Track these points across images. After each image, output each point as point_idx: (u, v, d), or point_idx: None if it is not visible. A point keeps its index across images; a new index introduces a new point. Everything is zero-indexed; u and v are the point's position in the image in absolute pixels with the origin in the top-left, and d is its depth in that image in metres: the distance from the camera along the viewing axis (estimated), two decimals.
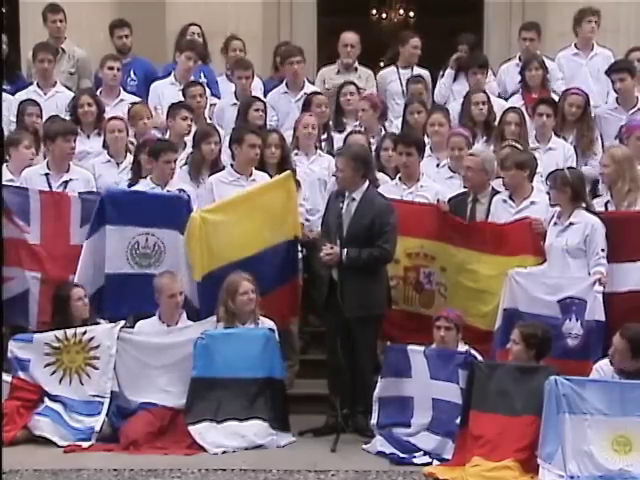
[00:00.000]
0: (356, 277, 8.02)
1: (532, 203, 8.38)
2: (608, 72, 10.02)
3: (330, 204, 8.29)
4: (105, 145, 9.45)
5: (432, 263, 8.48)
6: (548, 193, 8.25)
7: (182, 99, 9.97)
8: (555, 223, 8.08)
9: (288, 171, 8.74)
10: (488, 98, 9.93)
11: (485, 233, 8.38)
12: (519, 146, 8.99)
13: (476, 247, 8.33)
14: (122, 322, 8.26)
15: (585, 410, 7.13)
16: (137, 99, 10.27)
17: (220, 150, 9.18)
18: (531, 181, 8.49)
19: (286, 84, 10.46)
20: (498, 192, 8.60)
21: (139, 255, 8.52)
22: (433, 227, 8.46)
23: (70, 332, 8.15)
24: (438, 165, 9.33)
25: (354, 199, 8.15)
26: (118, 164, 9.34)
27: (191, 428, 7.91)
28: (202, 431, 7.89)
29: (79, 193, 8.77)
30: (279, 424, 8.03)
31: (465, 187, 8.70)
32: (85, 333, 8.15)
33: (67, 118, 9.74)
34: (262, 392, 8.03)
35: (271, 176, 8.90)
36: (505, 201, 8.47)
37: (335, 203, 8.17)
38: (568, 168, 8.40)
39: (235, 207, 8.47)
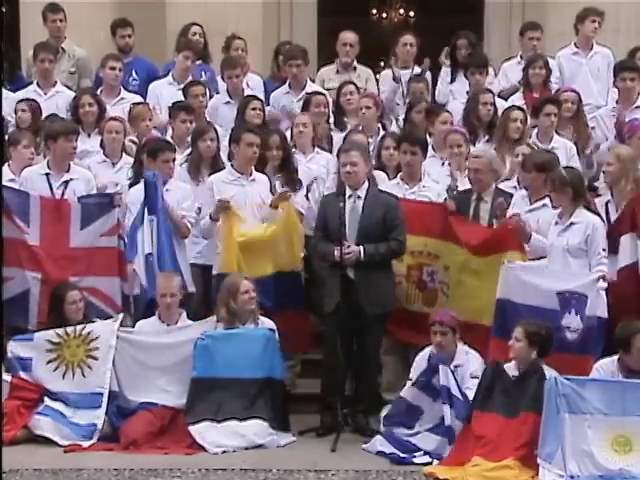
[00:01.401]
0: (372, 274, 8.09)
1: (544, 205, 8.35)
2: (616, 70, 10.03)
3: (327, 205, 8.27)
4: (102, 145, 9.45)
5: (436, 262, 8.48)
6: (549, 195, 8.24)
7: (180, 98, 9.99)
8: (556, 222, 8.06)
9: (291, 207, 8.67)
10: (494, 98, 9.93)
11: (477, 236, 8.35)
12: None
13: (473, 250, 8.32)
14: (120, 316, 8.34)
15: (585, 410, 7.12)
16: (138, 98, 10.28)
17: (218, 147, 9.19)
18: None
19: (289, 84, 10.46)
20: (501, 190, 8.59)
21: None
22: (437, 225, 8.45)
23: (70, 329, 8.19)
24: (443, 164, 9.33)
25: (359, 197, 8.17)
26: (114, 164, 9.33)
27: (191, 428, 7.91)
28: (202, 431, 7.89)
29: (78, 198, 8.75)
30: (279, 424, 8.03)
31: (473, 188, 8.65)
32: (84, 328, 8.19)
33: (68, 118, 9.77)
34: (262, 392, 8.03)
35: (269, 178, 8.90)
36: (523, 197, 8.47)
37: (335, 203, 8.15)
38: (565, 168, 8.37)
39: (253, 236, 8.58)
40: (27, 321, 8.60)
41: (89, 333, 8.18)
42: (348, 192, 8.22)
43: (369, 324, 8.10)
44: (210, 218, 8.59)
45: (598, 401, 7.14)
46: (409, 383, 7.91)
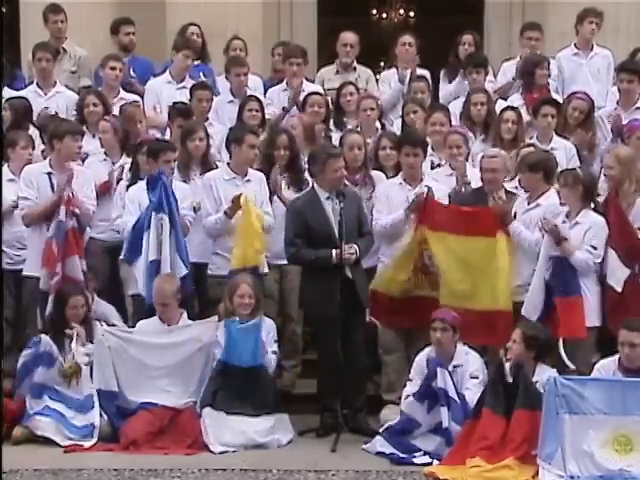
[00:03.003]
0: (361, 270, 8.27)
1: (537, 205, 8.34)
2: (618, 70, 10.03)
3: (306, 210, 8.26)
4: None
5: (429, 246, 8.46)
6: (558, 192, 8.24)
7: (179, 97, 10.01)
8: (564, 221, 8.08)
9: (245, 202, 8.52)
10: (489, 98, 9.93)
11: (459, 216, 8.40)
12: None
13: (456, 230, 8.35)
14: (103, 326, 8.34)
15: (585, 410, 7.12)
16: (136, 97, 10.29)
17: (207, 146, 9.16)
18: (548, 181, 8.40)
19: (286, 82, 10.46)
20: (508, 191, 8.59)
21: (159, 243, 8.47)
22: (423, 215, 8.44)
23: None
24: (432, 167, 9.33)
25: (333, 198, 8.22)
26: (114, 163, 9.29)
27: (205, 411, 7.96)
28: (210, 422, 7.90)
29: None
30: (273, 407, 8.05)
31: (487, 187, 8.58)
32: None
33: (73, 117, 9.78)
34: (260, 380, 8.05)
35: (267, 177, 8.87)
36: (523, 200, 8.48)
37: (315, 207, 8.23)
38: (579, 167, 8.41)
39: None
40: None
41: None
42: (325, 194, 8.26)
43: (361, 319, 8.26)
44: (225, 214, 8.55)
45: (599, 400, 7.14)
46: (408, 389, 7.90)
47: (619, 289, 7.93)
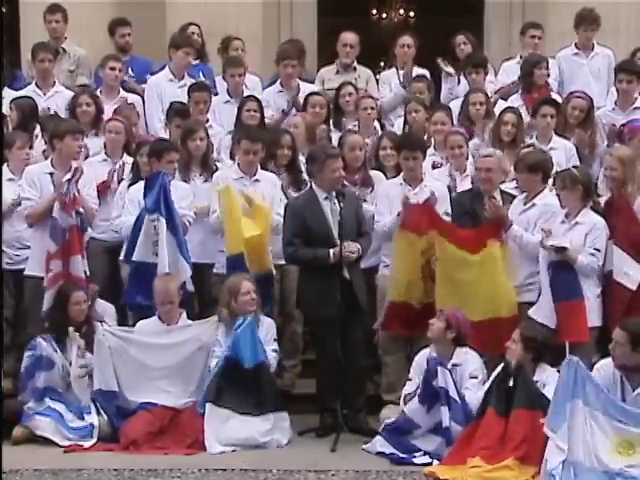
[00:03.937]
0: (359, 270, 8.31)
1: (533, 205, 8.36)
2: (617, 70, 10.03)
3: (305, 210, 8.26)
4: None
5: (435, 250, 8.44)
6: (558, 195, 8.23)
7: (181, 96, 10.00)
8: (563, 221, 8.08)
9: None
10: (487, 98, 9.93)
11: (463, 236, 8.38)
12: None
13: (456, 243, 8.33)
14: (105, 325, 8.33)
15: (597, 407, 7.07)
16: (136, 98, 10.28)
17: (208, 145, 9.17)
18: (544, 182, 8.42)
19: (280, 83, 10.47)
20: (504, 192, 8.60)
21: (153, 244, 8.46)
22: (430, 220, 8.41)
23: None
24: (434, 167, 9.32)
25: (332, 197, 8.23)
26: (115, 164, 9.29)
27: (209, 406, 7.94)
28: (211, 419, 7.89)
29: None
30: (276, 404, 8.02)
31: (482, 187, 8.60)
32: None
33: (66, 117, 9.75)
34: (260, 377, 8.03)
35: (279, 176, 8.95)
36: (519, 200, 8.48)
37: (323, 206, 8.24)
38: (575, 167, 8.40)
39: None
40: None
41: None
42: (323, 195, 8.27)
43: (360, 319, 8.26)
44: None
45: (610, 406, 7.11)
46: (408, 388, 7.90)
47: (634, 287, 7.90)
